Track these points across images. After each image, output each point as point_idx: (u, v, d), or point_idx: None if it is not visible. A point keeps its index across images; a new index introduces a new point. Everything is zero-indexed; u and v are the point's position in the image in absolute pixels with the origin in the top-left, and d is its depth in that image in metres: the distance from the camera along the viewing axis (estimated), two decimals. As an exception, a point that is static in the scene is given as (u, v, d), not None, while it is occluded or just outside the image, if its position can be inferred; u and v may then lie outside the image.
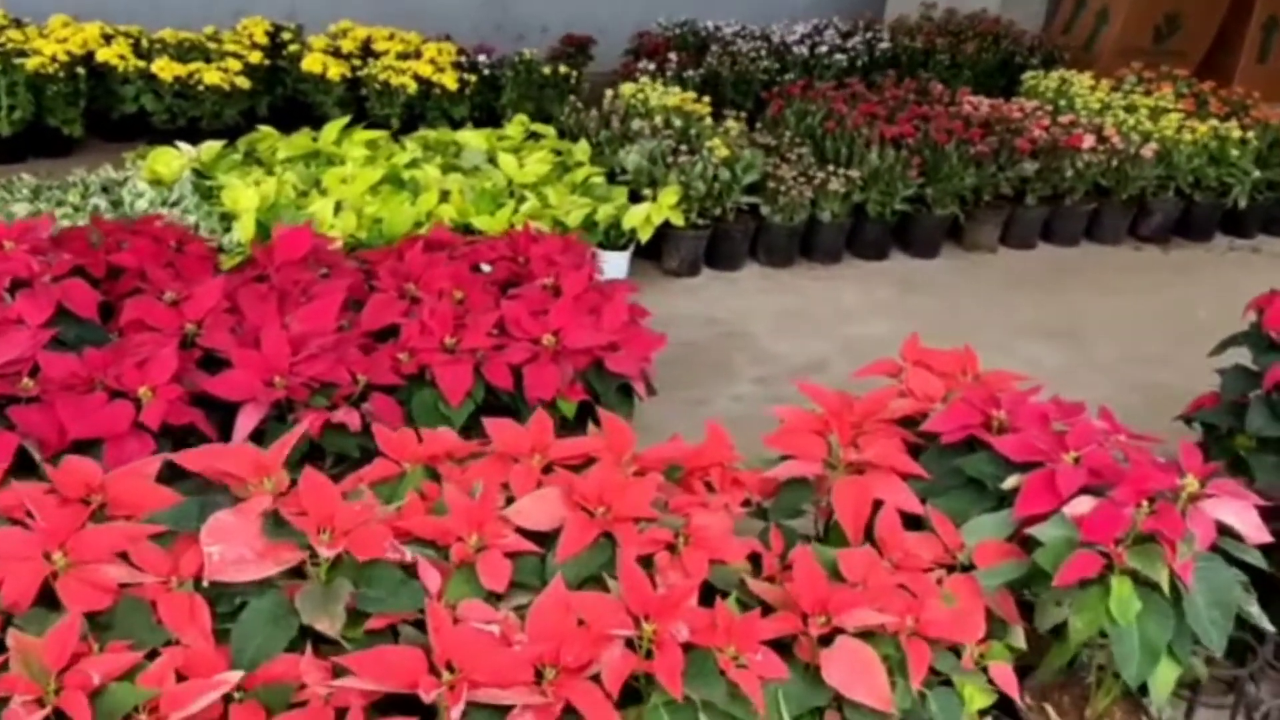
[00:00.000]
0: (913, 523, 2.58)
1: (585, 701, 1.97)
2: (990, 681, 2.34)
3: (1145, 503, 2.28)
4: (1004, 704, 2.49)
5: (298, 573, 2.11)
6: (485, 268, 4.02)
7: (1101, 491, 2.37)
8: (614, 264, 5.12)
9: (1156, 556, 2.24)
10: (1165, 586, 2.23)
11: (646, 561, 2.28)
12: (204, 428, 3.00)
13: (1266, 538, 2.31)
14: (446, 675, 1.94)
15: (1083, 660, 2.57)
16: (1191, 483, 2.29)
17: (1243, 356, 3.29)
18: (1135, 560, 2.24)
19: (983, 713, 2.42)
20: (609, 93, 6.00)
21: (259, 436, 3.09)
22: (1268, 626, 2.39)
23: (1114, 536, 2.27)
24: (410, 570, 2.13)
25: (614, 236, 5.07)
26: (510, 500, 2.33)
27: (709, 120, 5.73)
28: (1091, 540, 2.27)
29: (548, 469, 2.48)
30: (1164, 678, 2.31)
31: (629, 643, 2.07)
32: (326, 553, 1.98)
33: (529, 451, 2.47)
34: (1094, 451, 2.46)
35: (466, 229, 4.72)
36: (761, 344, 4.78)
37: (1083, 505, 2.33)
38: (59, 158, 5.70)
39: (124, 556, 2.03)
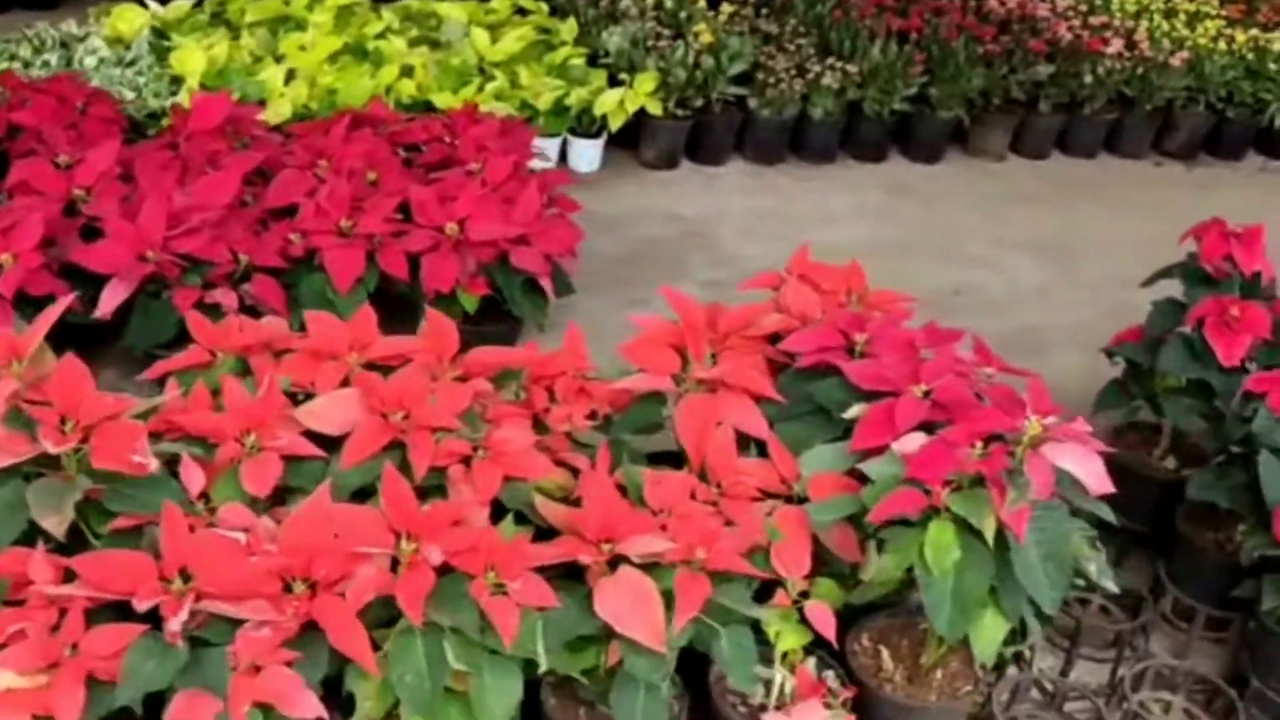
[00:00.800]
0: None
1: (332, 619, 1.87)
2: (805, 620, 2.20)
3: (979, 444, 2.10)
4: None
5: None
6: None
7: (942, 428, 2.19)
8: (586, 152, 4.94)
9: (983, 502, 2.06)
10: (989, 535, 2.06)
11: (442, 474, 2.16)
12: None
13: (1109, 488, 2.11)
14: (178, 584, 1.84)
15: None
16: (1034, 426, 2.09)
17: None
18: (958, 504, 2.06)
19: (808, 650, 2.29)
20: (606, -34, 5.72)
21: (128, 311, 3.01)
22: (1110, 586, 2.21)
23: (941, 477, 2.09)
24: (173, 468, 2.02)
25: (587, 123, 4.87)
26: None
27: (703, 3, 5.45)
28: (917, 479, 2.10)
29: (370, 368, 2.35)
30: (989, 633, 2.15)
31: (395, 562, 1.96)
32: (54, 448, 1.88)
33: (347, 349, 2.34)
34: (948, 384, 2.27)
35: (428, 106, 4.55)
36: (724, 245, 4.58)
37: (913, 442, 2.15)
38: (45, 10, 5.56)
39: None
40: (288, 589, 1.90)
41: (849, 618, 2.42)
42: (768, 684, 2.25)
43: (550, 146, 4.86)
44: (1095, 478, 2.09)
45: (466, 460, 2.16)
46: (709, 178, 5.14)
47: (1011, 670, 2.67)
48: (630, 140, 5.05)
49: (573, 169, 4.95)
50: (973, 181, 5.41)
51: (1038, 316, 4.31)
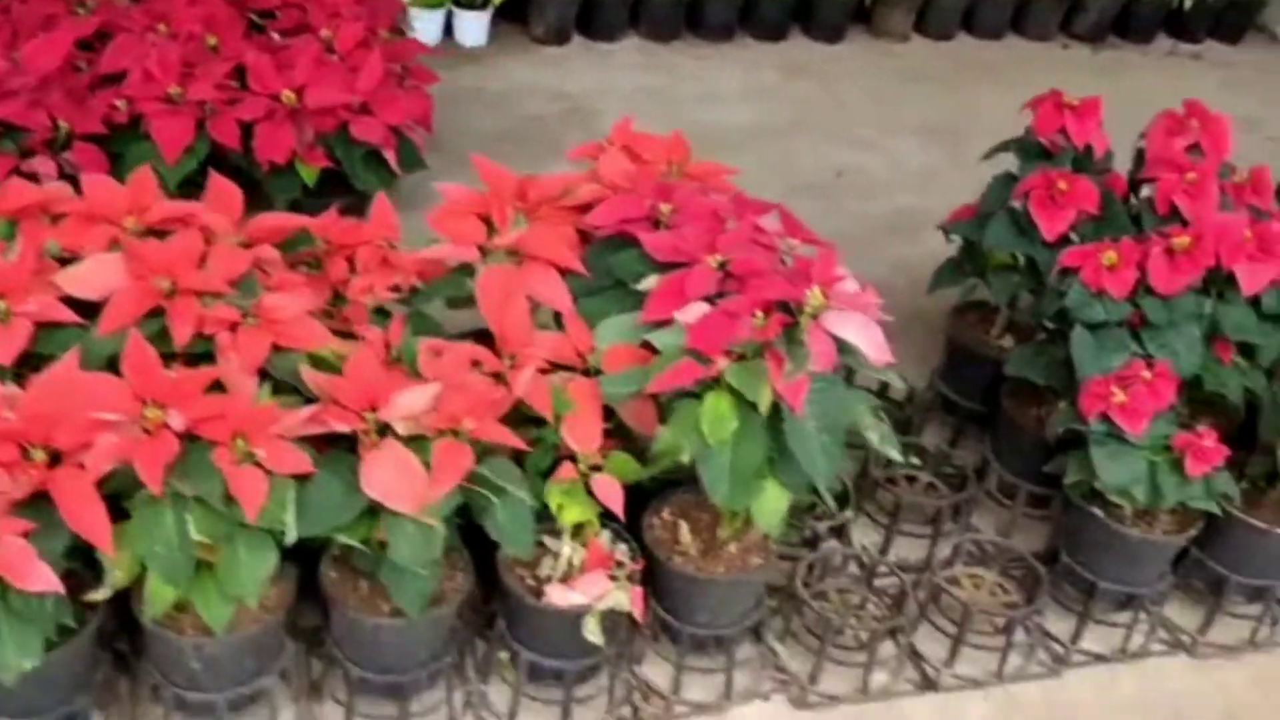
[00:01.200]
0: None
1: (65, 493, 1.80)
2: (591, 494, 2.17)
3: (761, 314, 2.04)
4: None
5: None
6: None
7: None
8: (471, 25, 4.82)
9: (760, 373, 2.01)
10: (763, 406, 2.01)
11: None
12: None
13: (889, 357, 2.06)
14: (-97, 451, 1.78)
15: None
16: (815, 296, 2.03)
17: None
18: (734, 375, 2.02)
19: (605, 524, 2.26)
20: None
21: (-63, 179, 2.90)
22: (893, 454, 2.17)
23: (720, 346, 2.04)
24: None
25: (470, -6, 4.74)
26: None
27: None
28: (697, 350, 2.05)
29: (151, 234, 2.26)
30: (770, 504, 2.12)
31: (147, 430, 1.89)
32: None
33: (124, 212, 2.25)
34: (745, 256, 2.20)
35: (301, -24, 4.39)
36: (606, 125, 4.36)
37: (695, 311, 2.09)
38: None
39: None
40: (26, 456, 1.84)
41: (655, 493, 2.39)
42: (558, 557, 2.22)
43: (434, 19, 4.74)
44: (875, 347, 2.04)
45: (236, 328, 2.09)
46: (601, 55, 5.01)
47: (831, 544, 2.65)
48: (520, 13, 4.93)
49: (458, 43, 4.83)
50: (873, 62, 5.31)
51: (918, 199, 4.24)
